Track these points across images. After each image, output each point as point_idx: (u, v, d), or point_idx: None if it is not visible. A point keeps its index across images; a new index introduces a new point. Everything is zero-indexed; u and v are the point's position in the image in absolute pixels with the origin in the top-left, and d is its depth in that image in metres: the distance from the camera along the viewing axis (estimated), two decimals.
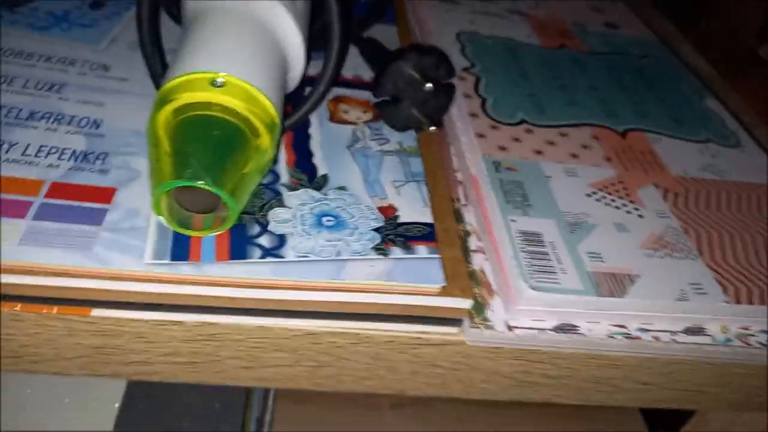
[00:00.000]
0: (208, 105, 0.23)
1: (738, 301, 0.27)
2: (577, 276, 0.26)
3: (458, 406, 0.55)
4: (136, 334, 0.25)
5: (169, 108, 0.23)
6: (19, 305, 0.23)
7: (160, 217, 0.23)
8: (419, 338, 0.26)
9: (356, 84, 0.35)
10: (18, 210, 0.23)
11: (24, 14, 0.34)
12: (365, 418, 0.53)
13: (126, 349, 0.25)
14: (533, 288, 0.25)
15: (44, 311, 0.23)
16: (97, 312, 0.24)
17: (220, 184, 0.22)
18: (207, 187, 0.21)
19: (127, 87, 0.31)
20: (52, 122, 0.28)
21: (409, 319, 0.26)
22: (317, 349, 0.26)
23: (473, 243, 0.30)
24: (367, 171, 0.30)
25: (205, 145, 0.22)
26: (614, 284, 0.26)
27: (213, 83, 0.23)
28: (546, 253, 0.27)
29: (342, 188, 0.28)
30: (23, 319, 0.24)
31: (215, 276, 0.23)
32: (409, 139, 0.33)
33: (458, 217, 0.30)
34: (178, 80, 0.23)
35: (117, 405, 0.39)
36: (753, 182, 0.34)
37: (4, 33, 0.32)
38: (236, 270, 0.24)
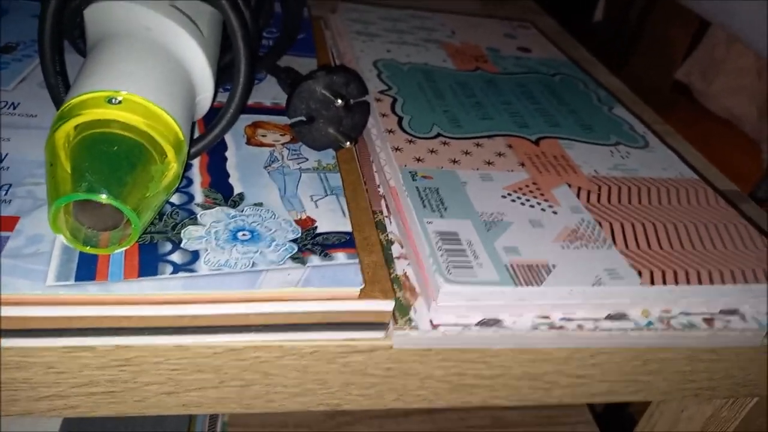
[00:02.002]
0: (107, 123, 0.23)
1: (652, 283, 0.28)
2: (494, 269, 0.27)
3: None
4: (45, 364, 0.24)
5: (66, 126, 0.23)
6: None
7: (61, 236, 0.23)
8: (346, 345, 0.26)
9: (275, 111, 0.36)
10: None
11: None
12: None
13: (35, 383, 0.24)
14: (451, 282, 0.25)
15: None
16: (5, 342, 0.23)
17: (118, 196, 0.21)
18: (103, 199, 0.21)
19: (35, 122, 0.31)
20: None
21: (334, 326, 0.26)
22: (241, 366, 0.26)
23: (396, 251, 0.30)
24: (284, 188, 0.30)
25: (102, 160, 0.22)
26: (531, 274, 0.27)
27: (110, 101, 0.23)
28: (463, 250, 0.27)
29: (258, 205, 0.28)
30: None
31: (123, 294, 0.23)
32: (327, 157, 0.33)
33: (381, 228, 0.31)
34: (75, 100, 0.23)
35: None
36: (662, 177, 0.36)
37: None
38: (146, 287, 0.23)
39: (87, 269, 0.23)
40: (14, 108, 0.31)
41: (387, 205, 0.32)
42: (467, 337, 0.27)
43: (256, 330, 0.25)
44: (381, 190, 0.33)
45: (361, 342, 0.26)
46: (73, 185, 0.21)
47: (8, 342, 0.23)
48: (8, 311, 0.22)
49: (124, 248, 0.24)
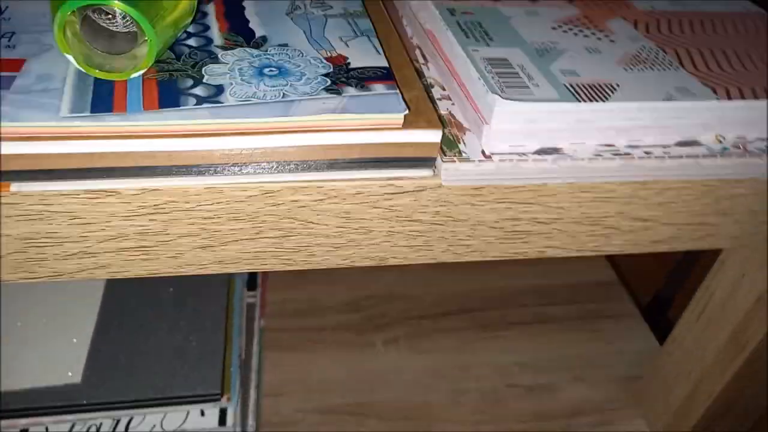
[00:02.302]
0: None
1: (729, 98, 0.25)
2: (552, 87, 0.24)
3: (453, 334, 0.53)
4: (68, 214, 0.22)
5: None
6: None
7: (70, 57, 0.20)
8: (391, 185, 0.24)
9: None
10: None
11: None
12: (358, 356, 0.50)
13: (61, 237, 0.22)
14: (506, 99, 0.23)
15: None
16: (17, 186, 0.21)
17: (134, 6, 0.19)
18: (116, 5, 0.18)
19: None
20: None
21: (376, 163, 0.23)
22: (279, 213, 0.23)
23: (438, 93, 0.27)
24: (309, 30, 0.27)
25: None
26: (594, 92, 0.24)
27: None
28: (515, 73, 0.24)
29: (283, 45, 0.26)
30: None
31: (144, 124, 0.20)
32: (354, 4, 0.30)
33: (419, 75, 0.28)
34: None
35: (85, 353, 0.36)
36: (727, 11, 0.32)
37: None
38: (169, 116, 0.21)
39: (103, 102, 0.21)
40: None
41: (423, 54, 0.29)
42: (523, 170, 0.24)
43: (293, 168, 0.22)
44: (414, 40, 0.30)
45: (406, 181, 0.24)
46: None
47: (26, 186, 0.21)
48: (21, 147, 0.20)
49: (141, 71, 0.21)
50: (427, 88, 0.27)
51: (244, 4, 0.28)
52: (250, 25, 0.27)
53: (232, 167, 0.22)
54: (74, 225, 0.22)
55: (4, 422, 0.33)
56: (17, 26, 0.24)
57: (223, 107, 0.21)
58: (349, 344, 0.51)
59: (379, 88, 0.24)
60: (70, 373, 0.35)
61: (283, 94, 0.22)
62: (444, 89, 0.27)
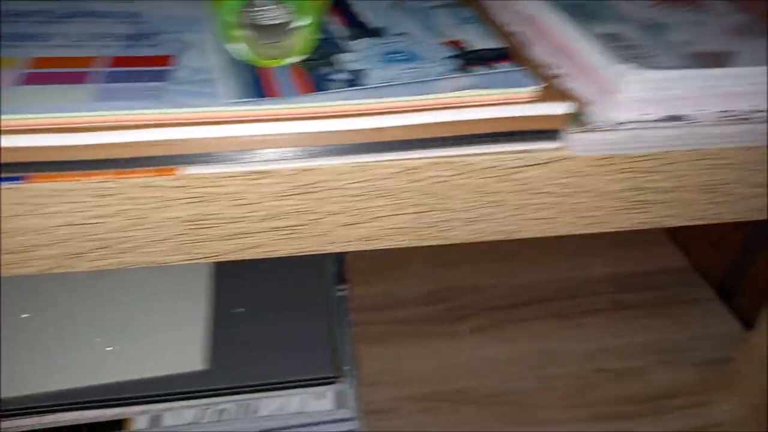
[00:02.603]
0: None
1: None
2: (671, 58, 0.25)
3: (534, 323, 0.53)
4: (232, 195, 0.23)
5: None
6: (110, 174, 0.22)
7: (234, 47, 0.22)
8: (522, 158, 0.25)
9: None
10: (79, 78, 0.22)
11: None
12: (445, 346, 0.51)
13: (224, 218, 0.24)
14: (632, 69, 0.23)
15: (134, 175, 0.22)
16: (182, 170, 0.22)
17: None
18: None
19: None
20: (87, 17, 0.27)
21: (508, 136, 0.24)
22: (419, 189, 0.25)
23: (548, 73, 0.28)
24: (419, 19, 0.28)
25: None
26: (714, 59, 0.25)
27: None
28: (632, 46, 0.25)
29: (402, 34, 0.27)
30: (110, 192, 0.22)
31: (303, 106, 0.22)
32: None
33: None
34: None
35: (205, 340, 0.38)
36: None
37: None
38: (322, 99, 0.22)
39: (257, 89, 0.22)
40: None
41: (523, 39, 0.30)
42: (649, 138, 0.25)
43: (430, 144, 0.24)
44: (511, 27, 0.32)
45: (537, 153, 0.25)
46: None
47: (191, 170, 0.22)
48: (186, 132, 0.22)
49: (299, 58, 0.23)
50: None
51: (348, 1, 0.30)
52: (361, 18, 0.28)
53: (378, 145, 0.23)
54: (234, 206, 0.24)
55: (139, 407, 0.35)
56: (157, 28, 0.26)
57: (370, 89, 0.23)
58: (434, 335, 0.52)
59: (504, 66, 0.25)
60: (194, 361, 0.36)
61: (419, 75, 0.24)
62: (556, 67, 0.28)
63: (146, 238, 0.24)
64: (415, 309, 0.54)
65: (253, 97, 0.22)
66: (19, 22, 0.25)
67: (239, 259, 0.25)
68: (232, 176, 0.23)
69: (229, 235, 0.24)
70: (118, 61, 0.23)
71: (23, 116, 0.20)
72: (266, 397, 0.36)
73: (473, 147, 0.24)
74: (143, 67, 0.23)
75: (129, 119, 0.21)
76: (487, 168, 0.25)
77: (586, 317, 0.55)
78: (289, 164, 0.23)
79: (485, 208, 0.26)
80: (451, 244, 0.27)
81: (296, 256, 0.26)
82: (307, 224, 0.25)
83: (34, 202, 0.22)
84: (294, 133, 0.22)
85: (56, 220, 0.23)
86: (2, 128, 0.20)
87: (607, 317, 0.55)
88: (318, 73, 0.23)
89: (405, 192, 0.25)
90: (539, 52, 0.29)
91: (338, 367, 0.38)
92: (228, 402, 0.36)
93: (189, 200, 0.23)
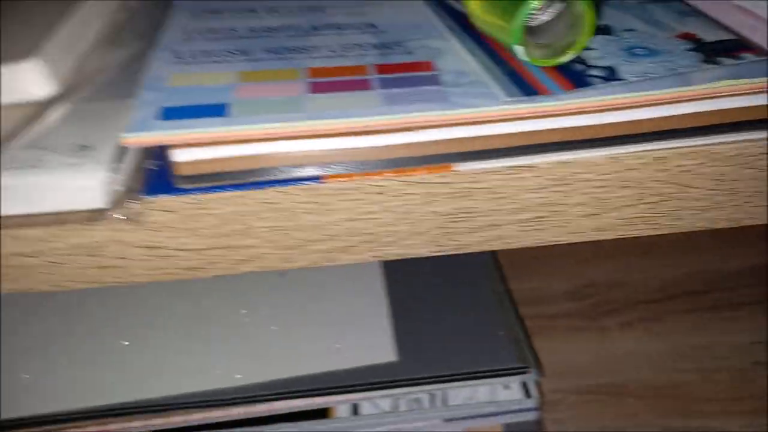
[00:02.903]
0: None
1: None
2: None
3: (684, 316, 0.53)
4: (488, 190, 0.25)
5: None
6: (390, 172, 0.23)
7: (518, 48, 0.23)
8: (764, 145, 0.25)
9: None
10: (363, 85, 0.24)
11: None
12: (597, 340, 0.51)
13: (477, 212, 0.25)
14: None
15: (411, 173, 0.24)
16: (458, 167, 0.24)
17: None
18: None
19: None
20: (334, 30, 0.29)
21: (752, 125, 0.25)
22: (663, 179, 0.25)
23: None
24: (636, 15, 0.29)
25: None
26: None
27: None
28: None
29: (631, 30, 0.28)
30: (386, 190, 0.24)
31: (573, 103, 0.23)
32: None
33: None
34: None
35: (391, 333, 0.40)
36: None
37: None
38: (589, 95, 0.23)
39: (528, 88, 0.24)
40: None
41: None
42: None
43: (680, 135, 0.25)
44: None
45: None
46: None
47: (466, 166, 0.24)
48: (468, 131, 0.23)
49: (573, 56, 0.24)
50: None
51: None
52: None
53: (632, 137, 0.24)
54: (490, 200, 0.25)
55: (338, 397, 0.37)
56: (398, 37, 0.28)
57: (630, 83, 0.24)
58: (584, 329, 0.52)
59: (748, 56, 0.25)
60: (387, 352, 0.38)
61: (671, 68, 0.25)
62: None
63: (407, 231, 0.25)
64: (561, 304, 0.55)
65: (527, 95, 0.23)
66: (277, 37, 0.27)
67: (482, 250, 0.27)
68: (494, 171, 0.24)
69: (479, 227, 0.26)
70: (385, 68, 0.25)
71: (324, 122, 0.22)
72: (458, 387, 0.38)
73: (719, 136, 0.25)
74: (411, 73, 0.25)
75: (419, 121, 0.22)
76: (731, 156, 0.25)
77: (737, 310, 0.54)
78: (548, 158, 0.24)
79: (720, 196, 0.27)
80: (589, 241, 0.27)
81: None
82: (550, 216, 0.26)
83: (321, 201, 0.24)
84: (559, 128, 0.24)
85: (334, 216, 0.25)
86: (305, 133, 0.22)
87: (760, 309, 0.54)
88: (572, 70, 0.25)
89: (650, 182, 0.26)
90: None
91: (524, 357, 0.39)
92: (421, 392, 0.38)
93: (452, 195, 0.25)
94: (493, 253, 0.50)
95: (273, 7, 0.31)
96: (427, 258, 0.27)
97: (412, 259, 0.27)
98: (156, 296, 0.42)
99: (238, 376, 0.37)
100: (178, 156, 0.22)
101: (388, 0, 0.32)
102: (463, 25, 0.29)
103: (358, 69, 0.25)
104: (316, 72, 0.25)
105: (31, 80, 0.25)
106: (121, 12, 0.33)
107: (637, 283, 0.57)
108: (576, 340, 0.51)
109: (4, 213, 0.23)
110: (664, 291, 0.56)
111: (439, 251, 0.26)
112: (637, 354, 0.50)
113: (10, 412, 0.35)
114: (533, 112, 0.23)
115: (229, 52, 0.26)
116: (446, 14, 0.30)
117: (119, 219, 0.22)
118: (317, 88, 0.24)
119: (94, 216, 0.22)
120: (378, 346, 0.39)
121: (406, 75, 0.25)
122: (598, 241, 0.28)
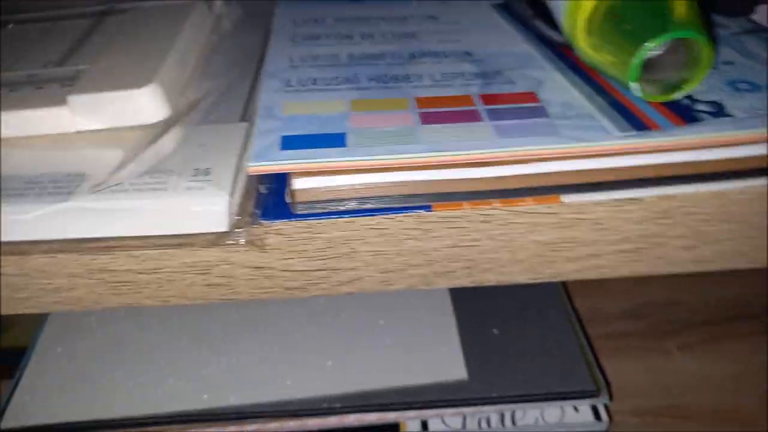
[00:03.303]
0: None
1: None
2: None
3: (746, 339, 0.53)
4: (593, 221, 0.25)
5: None
6: (496, 202, 0.24)
7: (634, 85, 0.23)
8: None
9: None
10: (473, 116, 0.24)
11: None
12: (656, 361, 0.51)
13: (579, 242, 0.26)
14: None
15: (519, 203, 0.24)
16: (565, 198, 0.24)
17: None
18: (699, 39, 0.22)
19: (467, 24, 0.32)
20: (432, 57, 0.29)
21: None
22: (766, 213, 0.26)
23: None
24: (732, 48, 0.29)
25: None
26: None
27: None
28: None
29: (728, 63, 0.28)
30: (491, 219, 0.25)
31: (682, 140, 0.23)
32: (741, 23, 0.32)
33: None
34: None
35: (460, 352, 0.40)
36: None
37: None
38: (698, 131, 0.23)
39: (638, 122, 0.24)
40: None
41: None
42: None
43: None
44: None
45: None
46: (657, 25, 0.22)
47: (572, 198, 0.24)
48: (574, 164, 0.23)
49: (687, 92, 0.24)
50: None
51: None
52: None
53: (737, 172, 0.24)
54: (593, 230, 0.25)
55: (410, 413, 0.37)
56: (496, 66, 0.28)
57: (740, 120, 0.24)
58: (643, 350, 0.52)
59: None
60: (457, 370, 0.39)
61: None
62: None
63: (507, 259, 0.26)
64: (619, 324, 0.55)
65: (637, 131, 0.23)
66: (379, 65, 0.28)
67: (578, 278, 0.27)
68: (600, 203, 0.25)
69: (578, 257, 0.26)
70: (490, 99, 0.25)
71: (442, 154, 0.23)
72: (523, 408, 0.38)
73: None
74: (517, 104, 0.25)
75: (533, 154, 0.23)
76: None
77: None
78: (653, 191, 0.25)
79: None
80: None
81: None
82: (649, 247, 0.26)
83: (426, 228, 0.25)
84: (666, 163, 0.24)
85: (437, 243, 0.25)
86: (422, 164, 0.23)
87: None
88: (678, 104, 0.25)
89: (752, 216, 0.26)
90: None
91: (596, 380, 0.39)
92: (491, 411, 0.38)
93: (557, 225, 0.25)
94: None
95: (367, 33, 0.31)
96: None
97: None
98: (233, 308, 0.43)
99: (312, 388, 0.38)
100: (298, 184, 0.23)
101: (473, 23, 0.32)
102: (558, 53, 0.29)
103: (465, 99, 0.25)
104: (423, 102, 0.25)
105: (147, 105, 0.26)
106: (215, 36, 0.34)
107: (695, 304, 0.56)
108: (634, 361, 0.51)
109: (124, 233, 0.24)
110: (724, 312, 0.56)
111: (536, 279, 0.27)
112: (698, 376, 0.50)
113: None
114: (646, 147, 0.23)
115: (335, 79, 0.27)
116: (538, 40, 0.31)
117: (241, 243, 0.23)
118: (428, 119, 0.24)
119: (217, 239, 0.23)
120: (448, 364, 0.39)
121: (512, 106, 0.25)
122: None
